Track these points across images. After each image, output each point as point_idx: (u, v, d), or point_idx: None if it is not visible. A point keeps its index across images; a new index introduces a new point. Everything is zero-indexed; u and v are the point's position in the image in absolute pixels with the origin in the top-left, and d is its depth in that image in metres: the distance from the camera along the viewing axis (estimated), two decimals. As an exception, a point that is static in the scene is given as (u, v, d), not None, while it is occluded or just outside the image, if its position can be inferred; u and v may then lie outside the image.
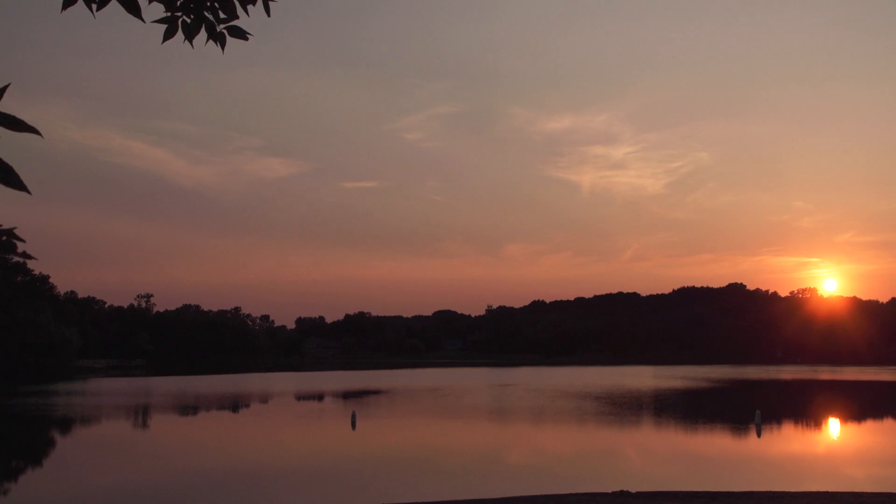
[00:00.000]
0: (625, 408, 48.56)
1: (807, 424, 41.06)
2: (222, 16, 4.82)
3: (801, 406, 51.55)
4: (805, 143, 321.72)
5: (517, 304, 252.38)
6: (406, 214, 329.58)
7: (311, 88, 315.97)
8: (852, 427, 40.42)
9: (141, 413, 48.81)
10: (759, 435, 34.12)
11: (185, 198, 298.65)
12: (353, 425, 37.34)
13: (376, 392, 67.89)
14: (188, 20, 4.74)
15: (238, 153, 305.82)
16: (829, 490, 19.75)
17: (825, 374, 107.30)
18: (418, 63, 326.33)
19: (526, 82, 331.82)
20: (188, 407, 52.52)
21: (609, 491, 19.36)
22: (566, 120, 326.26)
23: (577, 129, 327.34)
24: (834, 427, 40.39)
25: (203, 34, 4.80)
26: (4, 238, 2.70)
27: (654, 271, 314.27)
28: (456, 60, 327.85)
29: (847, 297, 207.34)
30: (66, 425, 41.34)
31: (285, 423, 42.45)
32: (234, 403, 56.26)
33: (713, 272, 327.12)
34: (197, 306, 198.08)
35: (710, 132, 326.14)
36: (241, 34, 4.84)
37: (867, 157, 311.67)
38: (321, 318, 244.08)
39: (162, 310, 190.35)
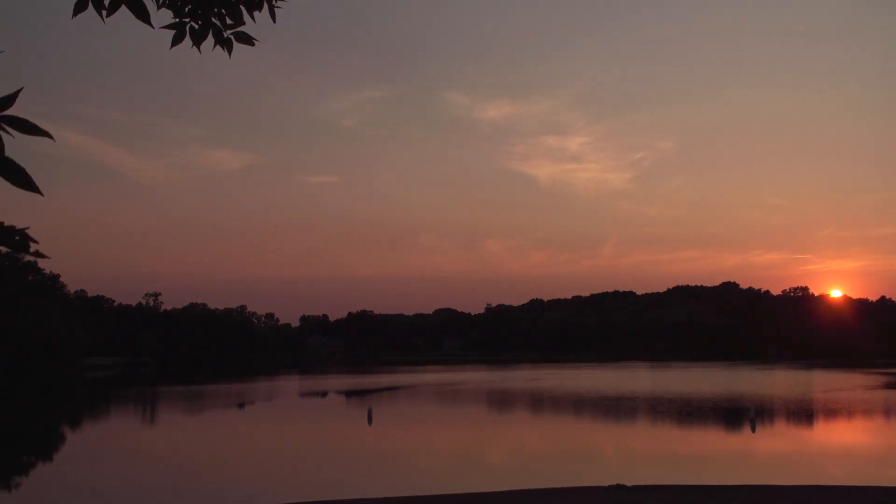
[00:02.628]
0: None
1: (800, 420, 41.02)
2: (229, 21, 4.83)
3: (795, 402, 51.49)
4: (770, 135, 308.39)
5: (515, 303, 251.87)
6: (377, 209, 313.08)
7: (235, 69, 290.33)
8: (844, 422, 40.37)
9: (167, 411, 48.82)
10: (753, 430, 34.13)
11: (142, 193, 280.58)
12: (370, 420, 37.48)
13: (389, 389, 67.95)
14: (196, 26, 4.75)
15: (181, 145, 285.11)
16: (821, 484, 19.74)
17: (818, 371, 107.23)
18: (335, 35, 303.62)
19: (455, 63, 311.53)
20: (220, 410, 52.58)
21: (605, 485, 19.36)
22: (506, 107, 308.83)
23: (523, 118, 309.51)
24: (826, 422, 40.35)
25: (210, 39, 4.81)
26: (18, 238, 2.71)
27: (646, 269, 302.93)
28: (376, 35, 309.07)
29: (838, 297, 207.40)
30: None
31: (306, 420, 42.53)
32: (259, 404, 56.38)
33: (702, 270, 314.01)
34: (204, 304, 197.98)
35: (664, 120, 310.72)
36: (247, 40, 4.85)
37: (836, 151, 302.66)
38: (325, 316, 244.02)
39: (169, 308, 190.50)
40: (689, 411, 43.90)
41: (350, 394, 63.25)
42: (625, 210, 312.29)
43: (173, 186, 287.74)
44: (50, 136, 2.72)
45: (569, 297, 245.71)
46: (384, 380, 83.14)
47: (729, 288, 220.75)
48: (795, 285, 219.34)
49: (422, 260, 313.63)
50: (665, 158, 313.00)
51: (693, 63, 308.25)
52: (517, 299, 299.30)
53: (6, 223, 2.74)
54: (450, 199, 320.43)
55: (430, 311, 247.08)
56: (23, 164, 2.60)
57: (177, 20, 4.71)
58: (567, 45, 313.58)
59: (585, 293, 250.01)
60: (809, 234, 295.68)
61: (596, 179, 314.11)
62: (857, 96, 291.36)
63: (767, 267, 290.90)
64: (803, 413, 44.53)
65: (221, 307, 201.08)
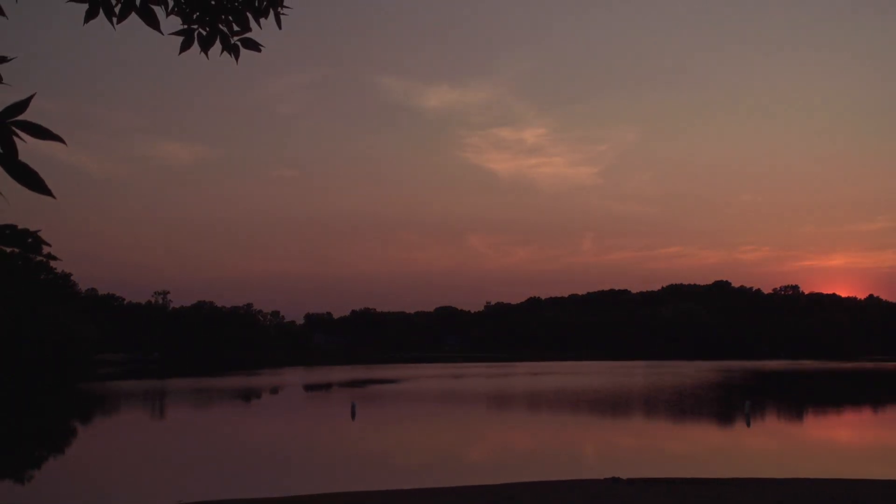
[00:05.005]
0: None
1: (794, 415, 41.03)
2: (236, 28, 4.83)
3: (788, 397, 51.52)
4: (737, 126, 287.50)
5: (512, 301, 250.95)
6: (346, 205, 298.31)
7: (153, 51, 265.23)
8: (837, 417, 40.38)
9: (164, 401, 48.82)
10: (748, 425, 34.08)
11: (97, 189, 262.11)
12: (353, 416, 37.45)
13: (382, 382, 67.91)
14: (204, 32, 4.75)
15: (122, 136, 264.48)
16: (815, 477, 19.73)
17: (809, 367, 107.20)
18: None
19: (382, 44, 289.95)
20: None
21: (602, 478, 19.35)
22: (446, 94, 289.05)
23: (468, 108, 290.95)
24: (819, 417, 40.35)
25: (218, 45, 4.82)
26: (31, 240, 2.71)
27: (631, 266, 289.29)
28: (298, 13, 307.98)
29: (827, 295, 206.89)
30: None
31: (294, 414, 42.60)
32: (255, 399, 56.37)
33: (690, 267, 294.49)
34: (211, 303, 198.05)
35: (620, 109, 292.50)
36: (254, 46, 4.86)
37: (807, 143, 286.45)
38: (328, 313, 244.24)
39: (178, 306, 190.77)
40: (685, 407, 43.87)
41: (344, 389, 63.04)
42: (596, 206, 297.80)
43: (130, 181, 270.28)
44: (62, 141, 2.71)
45: (565, 295, 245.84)
46: (382, 375, 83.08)
47: (721, 287, 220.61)
48: (784, 283, 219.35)
49: (403, 256, 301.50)
50: (629, 151, 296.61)
51: (645, 43, 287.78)
52: (512, 297, 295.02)
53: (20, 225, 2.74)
54: (415, 193, 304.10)
55: (431, 310, 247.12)
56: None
57: (185, 27, 4.71)
58: (502, 22, 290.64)
59: (571, 290, 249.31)
60: (790, 230, 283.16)
61: (562, 174, 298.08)
62: (832, 83, 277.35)
63: (754, 264, 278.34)
64: (797, 407, 44.54)
65: (229, 305, 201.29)
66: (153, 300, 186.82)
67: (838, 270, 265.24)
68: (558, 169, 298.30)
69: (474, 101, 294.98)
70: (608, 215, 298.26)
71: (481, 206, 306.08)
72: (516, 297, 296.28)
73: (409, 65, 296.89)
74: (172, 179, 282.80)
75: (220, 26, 4.79)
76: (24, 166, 2.59)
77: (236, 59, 4.88)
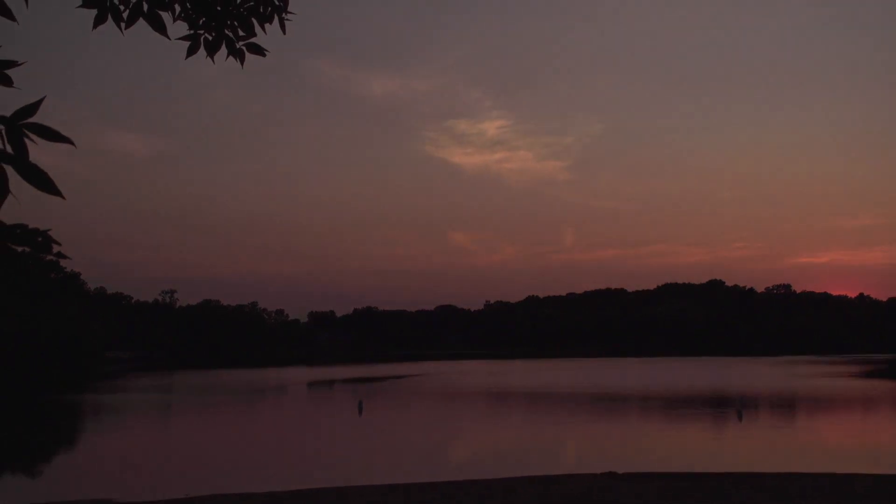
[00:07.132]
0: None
1: (784, 410, 40.99)
2: (241, 33, 4.85)
3: (779, 393, 51.44)
4: (711, 119, 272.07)
5: (511, 299, 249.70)
6: (328, 201, 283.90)
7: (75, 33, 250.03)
8: (827, 411, 40.34)
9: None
10: (740, 419, 34.06)
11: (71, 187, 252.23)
12: (360, 411, 37.45)
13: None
14: (210, 37, 4.76)
15: (79, 126, 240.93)
16: (806, 471, 19.72)
17: (801, 364, 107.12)
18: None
19: (316, 27, 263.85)
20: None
21: (598, 472, 19.35)
22: (389, 81, 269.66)
23: (418, 97, 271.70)
24: (810, 411, 40.31)
25: (223, 50, 4.83)
26: (41, 240, 2.71)
27: (624, 263, 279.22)
28: None
29: (819, 293, 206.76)
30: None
31: (303, 409, 42.57)
32: (260, 395, 56.34)
33: (680, 265, 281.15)
34: (217, 301, 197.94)
35: (580, 98, 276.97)
36: (259, 50, 4.87)
37: (788, 138, 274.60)
38: (332, 311, 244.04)
39: (185, 304, 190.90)
40: (679, 403, 43.85)
41: (349, 386, 63.04)
42: (571, 202, 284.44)
43: (93, 176, 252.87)
44: (72, 143, 2.72)
45: (563, 293, 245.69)
46: (385, 373, 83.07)
47: (715, 285, 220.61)
48: (776, 281, 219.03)
49: (390, 253, 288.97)
50: (595, 143, 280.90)
51: (602, 23, 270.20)
52: (508, 295, 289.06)
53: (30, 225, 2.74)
54: (385, 188, 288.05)
55: (432, 308, 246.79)
56: None
57: (192, 32, 4.72)
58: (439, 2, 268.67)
59: (563, 287, 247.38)
60: (774, 225, 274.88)
61: (530, 169, 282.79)
62: (822, 78, 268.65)
63: (744, 260, 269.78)
64: (788, 403, 44.49)
65: (234, 304, 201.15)
66: (160, 299, 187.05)
67: (829, 268, 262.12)
68: (525, 164, 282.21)
69: (425, 91, 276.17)
70: (584, 211, 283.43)
71: (455, 202, 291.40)
72: (511, 295, 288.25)
73: (343, 47, 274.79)
74: (133, 173, 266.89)
75: (226, 31, 4.80)
76: (35, 167, 2.60)
77: (241, 63, 4.89)
